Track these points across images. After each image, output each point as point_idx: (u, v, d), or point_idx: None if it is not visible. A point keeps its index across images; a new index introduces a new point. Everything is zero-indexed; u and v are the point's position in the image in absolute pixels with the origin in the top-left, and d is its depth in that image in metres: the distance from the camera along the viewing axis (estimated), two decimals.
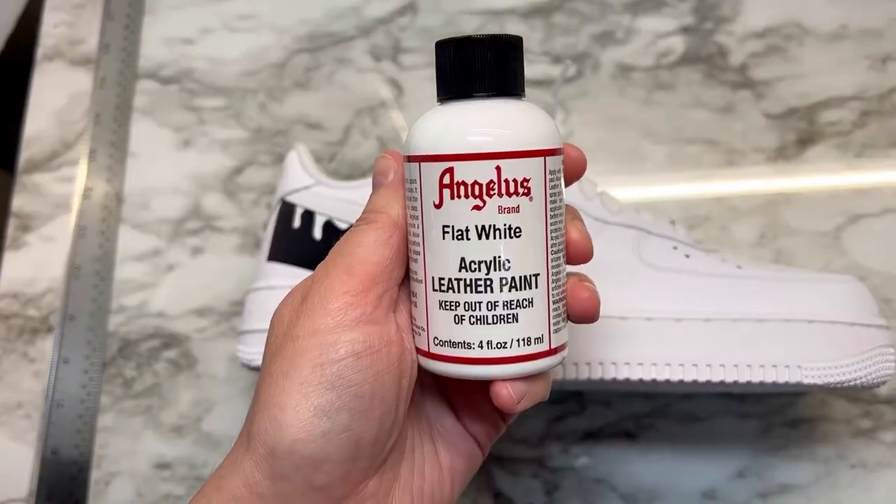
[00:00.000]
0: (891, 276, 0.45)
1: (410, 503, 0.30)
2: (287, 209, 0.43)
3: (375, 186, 0.31)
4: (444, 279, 0.28)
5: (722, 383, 0.36)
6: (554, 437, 0.44)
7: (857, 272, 0.45)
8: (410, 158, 0.29)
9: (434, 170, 0.28)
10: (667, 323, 0.36)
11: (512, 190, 0.27)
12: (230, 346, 0.49)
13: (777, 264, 0.43)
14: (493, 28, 0.53)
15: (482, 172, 0.27)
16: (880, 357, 0.36)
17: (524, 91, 0.29)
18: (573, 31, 0.52)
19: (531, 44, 0.52)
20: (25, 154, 0.55)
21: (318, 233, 0.41)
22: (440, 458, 0.32)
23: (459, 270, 0.28)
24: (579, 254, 0.30)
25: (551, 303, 0.28)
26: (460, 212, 0.28)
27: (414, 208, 0.29)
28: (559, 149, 0.29)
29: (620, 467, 0.43)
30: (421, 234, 0.29)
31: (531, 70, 0.52)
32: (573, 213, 0.31)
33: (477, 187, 0.27)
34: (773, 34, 0.51)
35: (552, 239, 0.28)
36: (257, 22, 0.56)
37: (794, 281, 0.37)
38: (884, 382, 0.36)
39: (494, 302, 0.28)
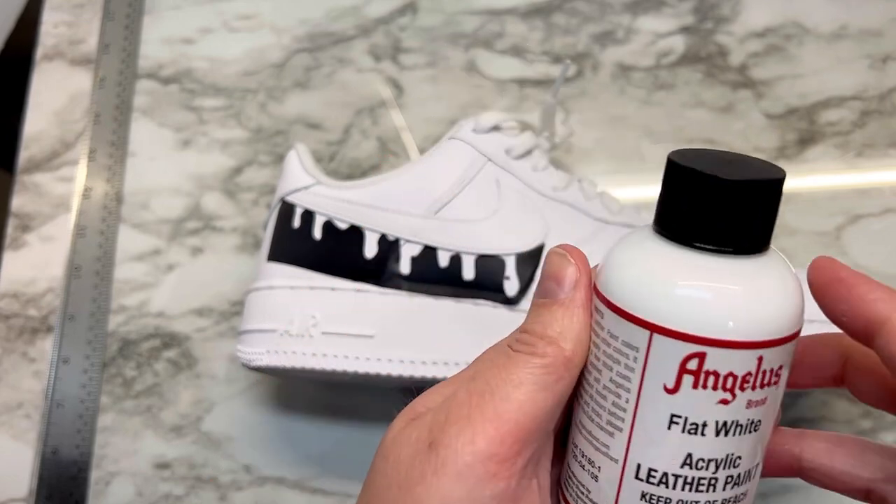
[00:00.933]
0: (891, 276, 0.45)
1: None
2: (287, 209, 0.43)
3: (545, 294, 0.24)
4: (656, 471, 0.23)
5: None
6: None
7: None
8: (623, 314, 0.23)
9: (675, 349, 0.22)
10: None
11: (766, 381, 0.23)
12: (230, 346, 0.49)
13: None
14: (493, 28, 0.53)
15: (741, 364, 0.22)
16: None
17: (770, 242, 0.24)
18: (573, 31, 0.52)
19: (531, 44, 0.52)
20: (25, 154, 0.55)
21: (317, 233, 0.41)
22: None
23: (682, 467, 0.23)
24: None
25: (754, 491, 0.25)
26: (701, 404, 0.22)
27: (623, 376, 0.23)
28: None
29: None
30: (631, 412, 0.23)
31: (531, 70, 0.52)
32: None
33: (730, 380, 0.22)
34: (773, 34, 0.51)
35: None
36: (257, 22, 0.56)
37: None
38: None
39: (713, 501, 0.23)
